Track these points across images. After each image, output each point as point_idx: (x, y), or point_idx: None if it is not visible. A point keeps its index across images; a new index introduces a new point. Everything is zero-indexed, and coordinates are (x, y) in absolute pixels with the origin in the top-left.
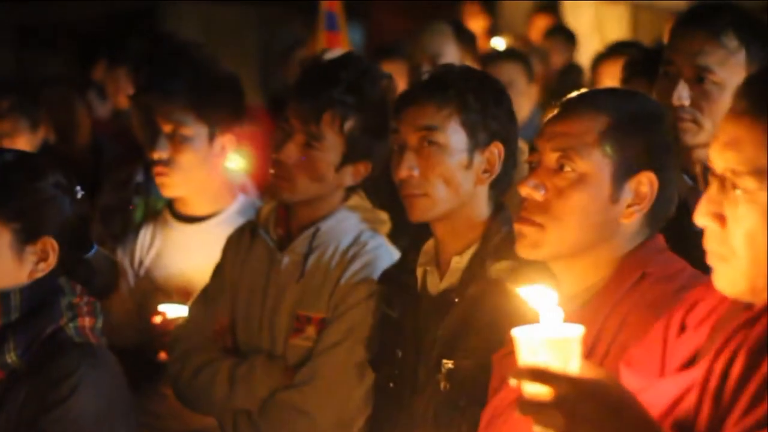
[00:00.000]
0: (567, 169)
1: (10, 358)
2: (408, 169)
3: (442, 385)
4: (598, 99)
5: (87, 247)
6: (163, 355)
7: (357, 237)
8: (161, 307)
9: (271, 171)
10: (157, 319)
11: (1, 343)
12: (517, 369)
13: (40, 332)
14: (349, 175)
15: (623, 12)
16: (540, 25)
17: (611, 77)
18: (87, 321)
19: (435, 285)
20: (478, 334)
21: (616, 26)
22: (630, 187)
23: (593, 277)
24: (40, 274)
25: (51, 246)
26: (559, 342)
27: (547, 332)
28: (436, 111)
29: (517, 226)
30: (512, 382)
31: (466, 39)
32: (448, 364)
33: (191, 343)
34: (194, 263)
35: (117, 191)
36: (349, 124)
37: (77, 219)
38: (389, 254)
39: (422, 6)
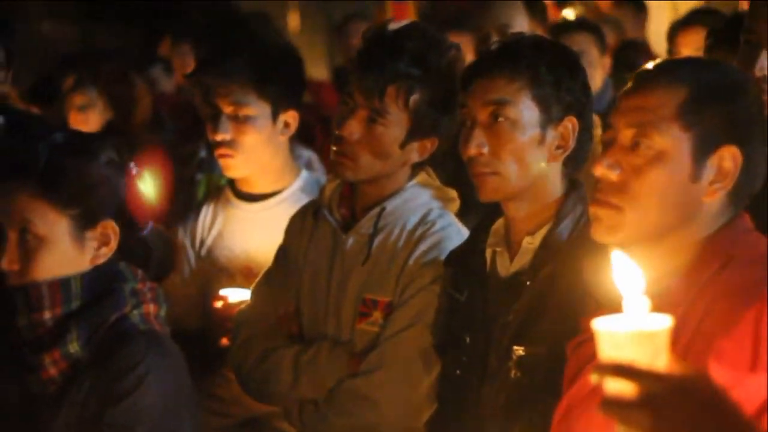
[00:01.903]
0: (643, 146)
1: (73, 348)
2: (477, 146)
3: (512, 372)
4: (675, 70)
5: (143, 224)
6: (225, 341)
7: (424, 216)
8: (222, 292)
9: (333, 148)
10: (219, 304)
11: (63, 332)
12: (600, 364)
13: (103, 320)
14: (415, 152)
15: None
16: None
17: (689, 47)
18: (151, 308)
19: (505, 267)
20: (550, 319)
21: None
22: (712, 163)
23: (674, 262)
24: (102, 260)
25: (111, 229)
26: (647, 335)
27: (633, 324)
28: (507, 84)
29: (592, 209)
30: (594, 378)
31: (536, 9)
32: (519, 350)
33: (254, 329)
34: (257, 243)
35: (180, 167)
36: (414, 98)
37: (132, 197)
38: (458, 233)
39: None
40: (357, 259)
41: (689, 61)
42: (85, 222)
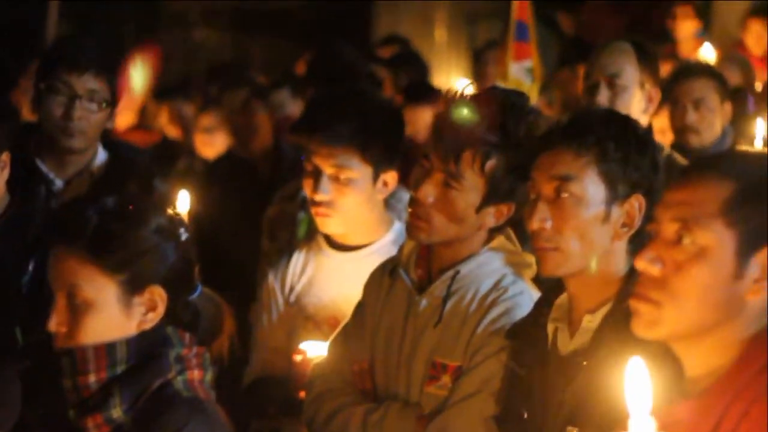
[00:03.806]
0: (686, 241)
1: (116, 413)
2: (540, 221)
3: None
4: (722, 164)
5: (192, 289)
6: (303, 394)
7: (498, 282)
8: (302, 345)
9: (409, 209)
10: (298, 358)
11: (107, 397)
12: None
13: (147, 386)
14: (491, 216)
15: None
16: (756, 28)
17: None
18: (196, 374)
19: (565, 344)
20: (605, 402)
21: None
22: (757, 261)
23: (717, 360)
24: (149, 325)
25: (159, 295)
26: None
27: None
28: (574, 159)
29: (632, 303)
30: None
31: (647, 58)
32: (573, 431)
33: (328, 384)
34: (346, 293)
35: (284, 204)
36: (490, 164)
37: (182, 262)
38: (531, 301)
39: (635, 6)
40: (429, 321)
41: (738, 154)
42: (132, 287)
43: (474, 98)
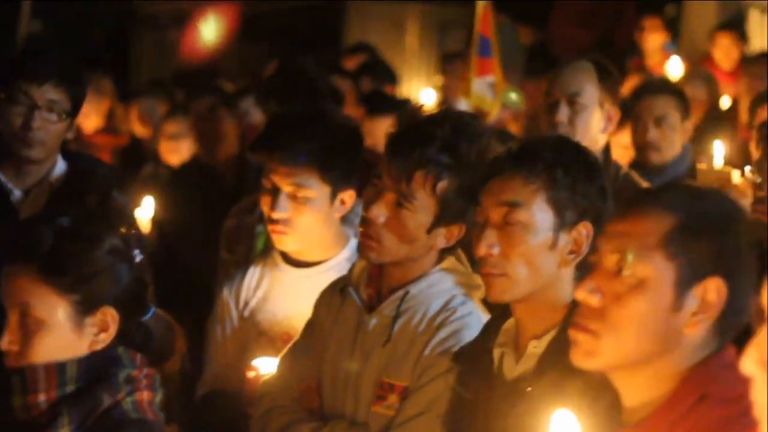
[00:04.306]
0: (626, 272)
1: None
2: (488, 246)
3: None
4: (664, 197)
5: (144, 311)
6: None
7: (447, 302)
8: (255, 362)
9: (360, 228)
10: (251, 374)
11: (56, 416)
12: None
13: (96, 406)
14: (442, 237)
15: None
16: (724, 42)
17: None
18: (145, 395)
19: (511, 369)
20: (548, 429)
21: None
22: (695, 294)
23: (655, 391)
24: (100, 345)
25: (111, 316)
26: None
27: None
28: (523, 186)
29: (571, 333)
30: None
31: (607, 78)
32: None
33: (276, 401)
34: (301, 309)
35: (242, 217)
36: (442, 185)
37: (136, 284)
38: (479, 322)
39: (603, 18)
40: (378, 341)
41: (680, 188)
42: (85, 308)
43: (428, 119)
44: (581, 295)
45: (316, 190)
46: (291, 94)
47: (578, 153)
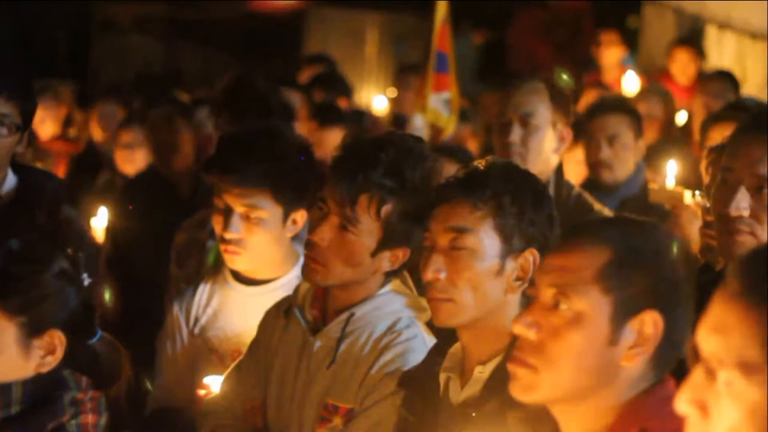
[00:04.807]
0: (563, 306)
1: None
2: (435, 271)
3: None
4: (600, 231)
5: (91, 334)
6: None
7: (392, 325)
8: (206, 380)
9: (305, 251)
10: (201, 392)
11: None
12: None
13: (40, 429)
14: (387, 261)
15: (765, 49)
16: (681, 58)
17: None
18: (90, 418)
19: (456, 393)
20: None
21: (758, 63)
22: (632, 327)
23: (593, 424)
24: (47, 368)
25: (58, 339)
26: None
27: None
28: (470, 212)
29: (510, 366)
30: None
31: (560, 99)
32: None
33: (220, 420)
34: (250, 327)
35: (193, 232)
36: (386, 209)
37: (83, 307)
38: (424, 345)
39: (562, 32)
40: (323, 363)
41: (616, 221)
42: (32, 330)
43: (372, 142)
44: (519, 329)
45: (269, 211)
46: (242, 110)
47: (526, 180)
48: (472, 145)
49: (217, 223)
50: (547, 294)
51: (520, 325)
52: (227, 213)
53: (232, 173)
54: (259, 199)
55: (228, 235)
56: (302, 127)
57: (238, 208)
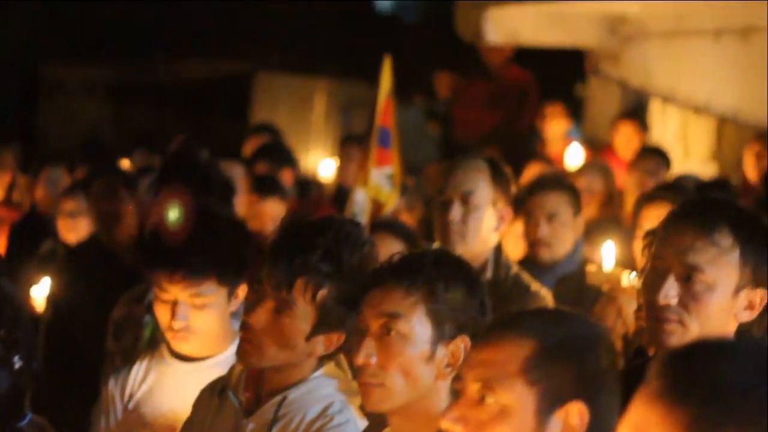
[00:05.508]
0: (489, 401)
1: None
2: (366, 356)
3: None
4: (523, 323)
5: (21, 417)
6: None
7: (326, 409)
8: None
9: (240, 333)
10: None
11: None
12: None
13: None
14: (321, 345)
15: (709, 123)
16: (625, 131)
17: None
18: None
19: None
20: None
21: (702, 137)
22: (558, 418)
23: None
24: None
25: None
26: None
27: None
28: (403, 297)
29: None
30: None
31: (500, 177)
32: None
33: None
34: (185, 404)
35: (130, 306)
36: (322, 293)
37: (14, 390)
38: (356, 430)
39: (508, 102)
40: None
41: (539, 313)
42: None
43: (310, 226)
44: (446, 424)
45: (215, 294)
46: (183, 186)
47: (459, 267)
48: (408, 218)
49: (162, 314)
50: (472, 388)
51: (447, 421)
52: (174, 303)
53: (178, 269)
54: (206, 287)
55: (177, 325)
56: (242, 200)
57: (186, 299)
